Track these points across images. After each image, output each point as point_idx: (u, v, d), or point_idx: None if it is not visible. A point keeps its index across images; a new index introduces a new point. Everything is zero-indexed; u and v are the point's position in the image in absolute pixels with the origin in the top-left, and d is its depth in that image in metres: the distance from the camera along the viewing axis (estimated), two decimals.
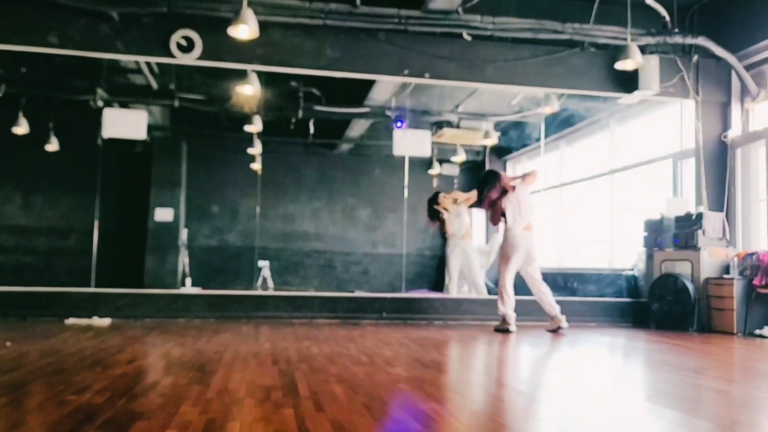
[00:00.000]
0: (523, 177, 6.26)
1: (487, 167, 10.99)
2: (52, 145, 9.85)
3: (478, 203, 6.34)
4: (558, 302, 6.01)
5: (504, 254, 6.06)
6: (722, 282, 6.30)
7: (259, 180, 11.05)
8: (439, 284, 8.84)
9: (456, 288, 7.94)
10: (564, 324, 5.91)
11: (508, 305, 5.94)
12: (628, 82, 6.94)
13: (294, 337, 4.99)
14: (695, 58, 7.14)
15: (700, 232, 6.52)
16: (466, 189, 11.18)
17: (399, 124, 8.94)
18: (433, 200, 7.98)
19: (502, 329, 5.92)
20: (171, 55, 6.25)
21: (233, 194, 11.43)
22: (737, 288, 6.12)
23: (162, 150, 10.91)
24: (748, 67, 6.91)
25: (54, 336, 4.74)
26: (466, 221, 7.88)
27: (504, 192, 6.03)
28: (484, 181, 6.21)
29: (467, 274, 7.91)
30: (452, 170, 11.51)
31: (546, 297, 6.03)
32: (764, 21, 6.63)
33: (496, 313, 6.10)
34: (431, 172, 11.00)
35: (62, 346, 4.19)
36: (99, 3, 6.05)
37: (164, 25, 6.23)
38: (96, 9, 6.07)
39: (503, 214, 6.05)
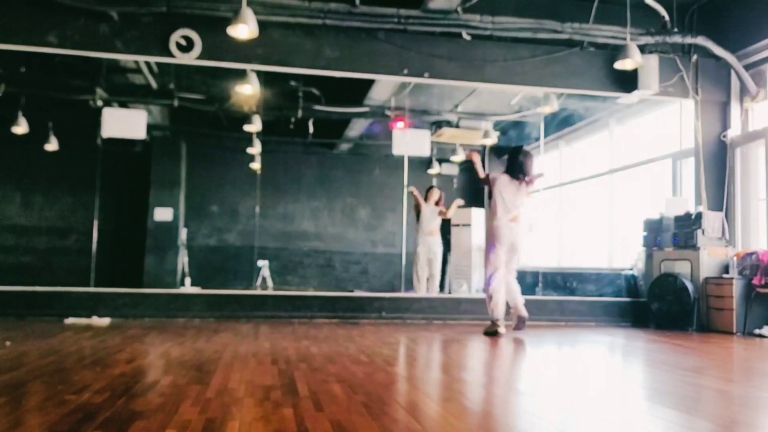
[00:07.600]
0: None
1: (487, 167, 10.99)
2: (52, 145, 9.85)
3: (517, 173, 5.69)
4: (558, 302, 5.96)
5: (488, 246, 5.75)
6: (722, 281, 6.30)
7: (259, 180, 11.04)
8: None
9: (424, 287, 8.04)
10: (502, 330, 5.56)
11: (497, 304, 5.57)
12: (628, 81, 6.95)
13: (293, 336, 4.99)
14: (695, 57, 7.15)
15: (699, 231, 6.53)
16: (465, 188, 11.26)
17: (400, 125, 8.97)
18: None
19: (490, 332, 5.55)
20: (170, 55, 6.26)
21: (232, 194, 11.41)
22: (737, 287, 6.13)
23: (161, 150, 10.90)
24: (747, 67, 6.91)
25: (53, 336, 4.74)
26: (435, 222, 8.14)
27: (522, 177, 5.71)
28: (527, 155, 5.82)
29: (430, 268, 8.05)
30: (452, 170, 11.51)
31: (514, 294, 5.70)
32: (764, 21, 6.64)
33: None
34: (431, 171, 10.99)
35: (61, 345, 4.19)
36: (98, 3, 6.05)
37: (164, 25, 6.24)
38: (95, 9, 6.07)
39: (490, 194, 5.73)
